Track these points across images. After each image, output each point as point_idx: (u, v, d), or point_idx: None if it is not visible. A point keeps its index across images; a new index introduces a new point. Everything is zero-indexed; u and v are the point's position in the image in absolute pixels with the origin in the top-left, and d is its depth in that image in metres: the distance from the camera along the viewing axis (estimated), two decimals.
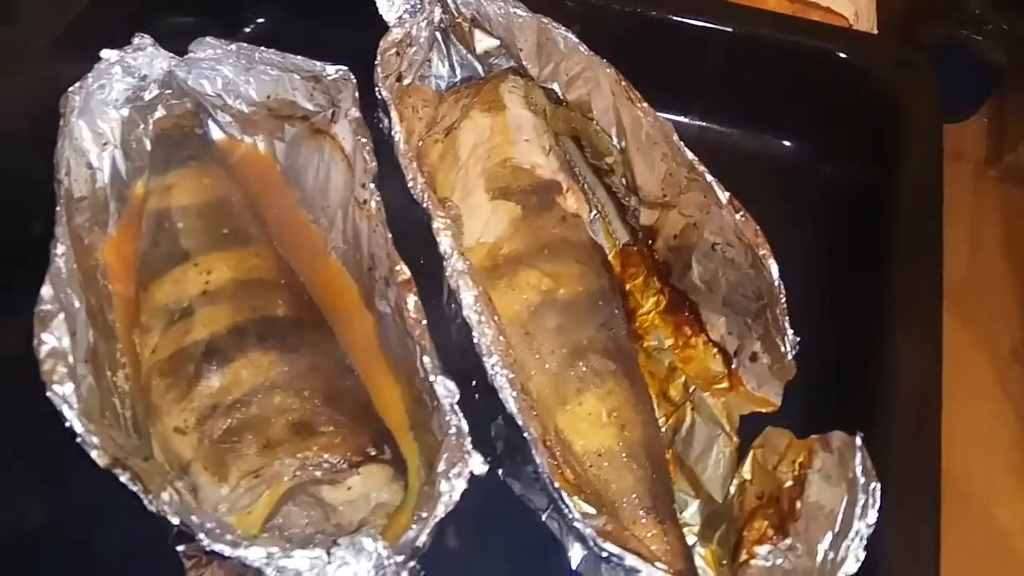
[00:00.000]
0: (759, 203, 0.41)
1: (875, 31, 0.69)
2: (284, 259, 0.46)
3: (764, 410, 0.40)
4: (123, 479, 0.31)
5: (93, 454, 0.32)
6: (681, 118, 0.54)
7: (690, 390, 0.43)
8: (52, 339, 0.33)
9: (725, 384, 0.42)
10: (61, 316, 0.34)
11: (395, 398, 0.43)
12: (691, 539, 0.39)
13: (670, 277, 0.46)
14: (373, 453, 0.38)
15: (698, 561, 0.38)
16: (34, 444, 0.41)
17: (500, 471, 0.41)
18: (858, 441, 0.32)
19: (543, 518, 0.38)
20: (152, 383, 0.40)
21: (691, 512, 0.40)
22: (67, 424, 0.32)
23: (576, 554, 0.36)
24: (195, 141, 0.50)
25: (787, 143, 0.52)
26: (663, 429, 0.43)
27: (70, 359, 0.33)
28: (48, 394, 0.32)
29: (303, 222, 0.50)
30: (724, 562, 0.38)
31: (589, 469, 0.39)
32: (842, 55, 0.48)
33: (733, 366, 0.42)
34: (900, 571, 0.32)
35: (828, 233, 0.48)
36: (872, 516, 0.30)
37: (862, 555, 0.30)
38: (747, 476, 0.38)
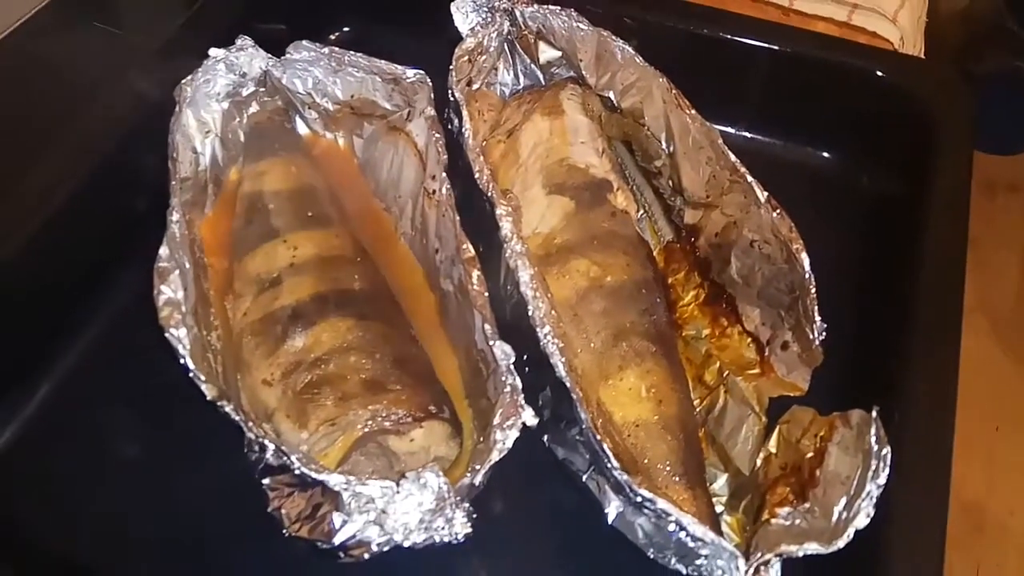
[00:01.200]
0: (798, 208, 0.45)
1: (921, 56, 0.73)
2: (360, 242, 0.52)
3: (792, 394, 0.44)
4: (227, 409, 0.37)
5: (203, 387, 0.37)
6: (729, 129, 0.58)
7: (724, 375, 0.47)
8: (169, 291, 0.39)
9: (757, 370, 0.46)
10: (176, 272, 0.40)
11: (453, 368, 0.47)
12: (719, 508, 0.43)
13: (710, 272, 0.50)
14: (434, 411, 0.42)
15: (724, 528, 0.42)
16: (139, 388, 0.47)
17: (545, 438, 0.45)
18: (873, 414, 0.35)
19: (583, 479, 0.42)
20: (244, 341, 0.45)
21: (720, 484, 0.44)
22: (181, 361, 0.37)
23: (612, 510, 0.40)
24: (283, 135, 0.56)
25: (826, 154, 0.56)
26: (697, 410, 0.47)
27: (183, 308, 0.39)
28: (166, 335, 0.37)
29: (376, 210, 0.55)
30: (748, 528, 0.41)
31: (627, 439, 0.43)
32: (879, 73, 0.51)
33: (765, 354, 0.46)
34: (908, 531, 0.35)
35: (860, 237, 0.51)
36: (883, 477, 0.34)
37: (872, 512, 0.33)
38: (773, 449, 0.41)
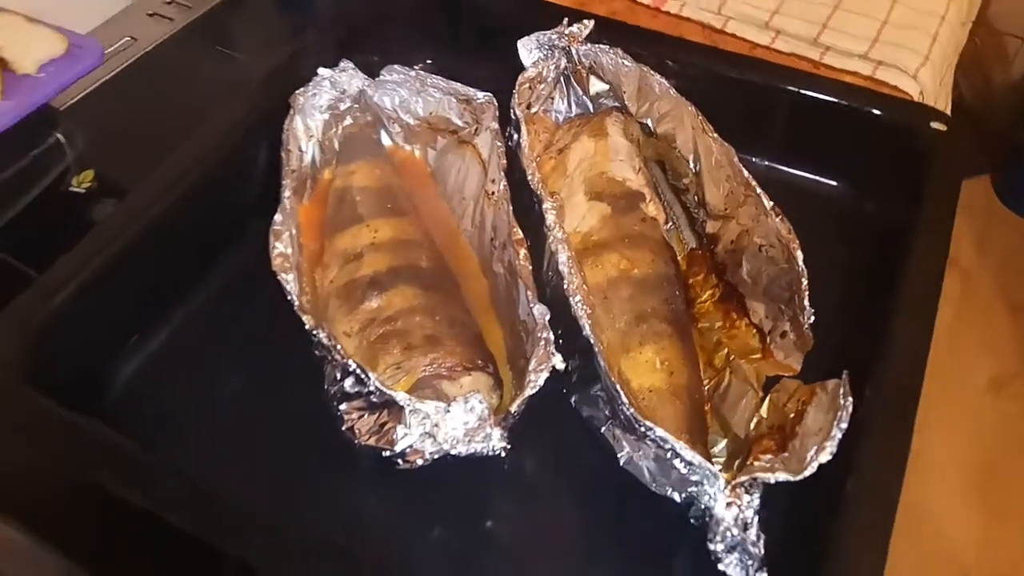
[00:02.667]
0: (809, 227, 0.52)
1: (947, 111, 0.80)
2: (428, 232, 0.61)
3: (787, 374, 0.51)
4: (321, 337, 0.46)
5: (304, 318, 0.47)
6: (752, 159, 0.66)
7: (730, 359, 0.54)
8: (281, 246, 0.49)
9: (759, 355, 0.53)
10: (287, 234, 0.50)
11: (499, 339, 0.56)
12: (717, 467, 0.50)
13: (724, 274, 0.57)
14: (481, 364, 0.51)
15: None
16: (243, 336, 0.57)
17: (572, 400, 0.53)
18: (844, 376, 0.43)
19: (602, 431, 0.50)
20: (330, 302, 0.55)
21: (720, 448, 0.51)
22: (288, 298, 0.47)
23: (624, 455, 0.48)
24: (371, 145, 0.66)
25: (834, 183, 0.64)
26: (706, 388, 0.54)
27: (291, 260, 0.49)
28: (279, 278, 0.47)
29: (443, 210, 0.64)
30: None
31: (641, 401, 0.51)
32: (879, 113, 0.60)
33: (767, 342, 0.53)
34: (871, 478, 0.42)
35: (861, 251, 0.58)
36: (845, 422, 0.41)
37: (834, 449, 0.40)
38: (764, 415, 0.49)
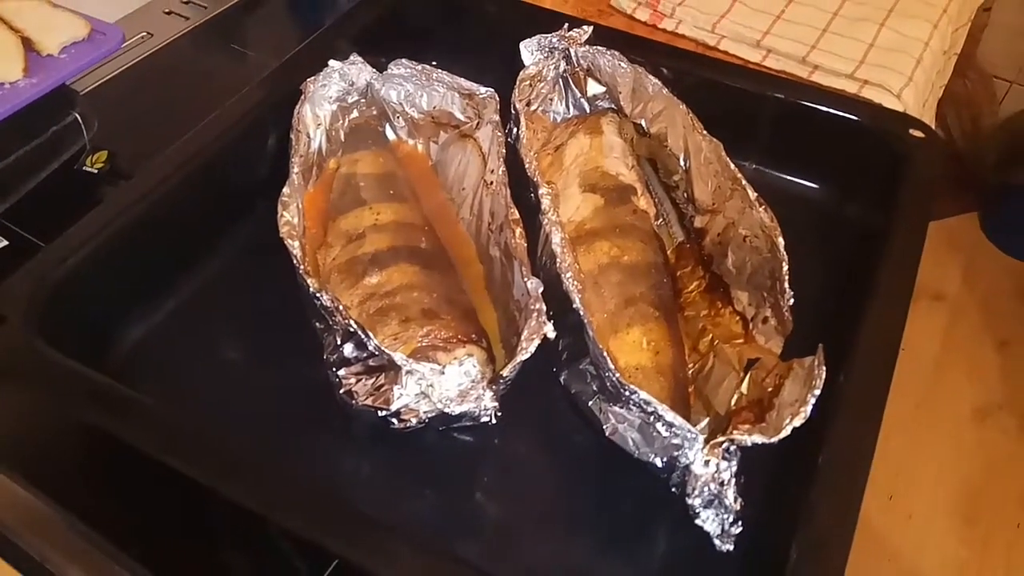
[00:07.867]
0: (792, 228, 0.55)
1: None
2: (427, 218, 0.64)
3: (767, 358, 0.53)
4: (324, 300, 0.48)
5: (308, 281, 0.49)
6: (743, 163, 0.69)
7: (714, 343, 0.57)
8: (288, 216, 0.52)
9: (742, 340, 0.56)
10: (294, 205, 0.52)
11: (492, 320, 0.58)
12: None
13: (711, 265, 0.60)
14: (476, 338, 0.53)
15: None
16: (245, 306, 0.59)
17: (561, 378, 0.55)
18: (819, 348, 0.45)
19: (588, 404, 0.52)
20: (332, 276, 0.57)
21: (701, 426, 0.53)
22: (294, 263, 0.49)
23: (610, 426, 0.50)
24: (376, 136, 0.69)
25: (815, 185, 0.67)
26: (690, 372, 0.56)
27: (297, 230, 0.51)
28: (285, 243, 0.50)
29: (443, 200, 0.67)
30: None
31: (627, 379, 0.53)
32: (857, 119, 0.63)
33: (750, 328, 0.56)
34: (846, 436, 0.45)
35: (841, 251, 0.61)
36: (818, 389, 0.43)
37: (808, 413, 0.42)
38: (744, 391, 0.51)
